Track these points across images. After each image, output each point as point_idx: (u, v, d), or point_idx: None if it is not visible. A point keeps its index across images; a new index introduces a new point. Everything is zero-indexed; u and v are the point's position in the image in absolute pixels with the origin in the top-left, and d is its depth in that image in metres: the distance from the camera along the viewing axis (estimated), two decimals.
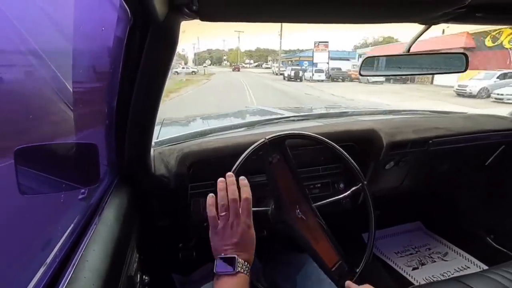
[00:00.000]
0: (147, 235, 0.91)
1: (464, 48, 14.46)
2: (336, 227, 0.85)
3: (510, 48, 13.57)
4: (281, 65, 35.86)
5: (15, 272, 0.48)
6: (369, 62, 0.91)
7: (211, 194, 0.60)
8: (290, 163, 0.81)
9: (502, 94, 9.88)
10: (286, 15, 0.62)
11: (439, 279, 1.41)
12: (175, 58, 0.62)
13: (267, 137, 0.78)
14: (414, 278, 1.43)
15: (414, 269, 1.50)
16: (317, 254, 0.77)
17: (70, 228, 0.56)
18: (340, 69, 23.07)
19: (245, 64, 76.02)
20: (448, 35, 15.46)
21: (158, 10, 0.49)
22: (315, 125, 1.20)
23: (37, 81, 0.58)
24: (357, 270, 0.78)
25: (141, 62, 0.59)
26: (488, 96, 10.83)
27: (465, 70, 0.90)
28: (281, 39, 36.78)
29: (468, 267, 1.48)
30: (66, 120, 0.64)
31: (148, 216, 0.92)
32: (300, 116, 1.43)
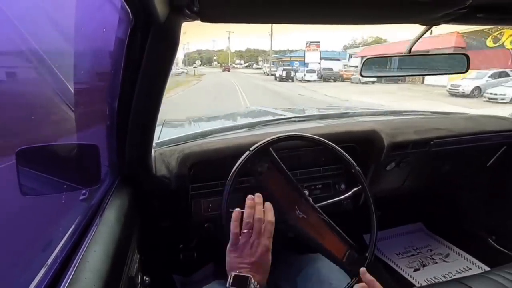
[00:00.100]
0: (148, 236, 0.91)
1: (455, 48, 14.49)
2: None
3: (511, 48, 13.55)
4: (272, 65, 35.66)
5: (16, 272, 0.48)
6: (370, 63, 0.91)
7: (238, 209, 0.61)
8: (279, 167, 0.81)
9: (495, 94, 9.78)
10: (287, 16, 0.62)
11: (441, 280, 1.41)
12: None
13: (250, 149, 0.78)
14: (416, 280, 1.43)
15: (415, 270, 1.49)
16: (326, 249, 0.78)
17: (71, 229, 0.56)
18: (331, 69, 22.94)
19: (236, 64, 75.29)
20: (437, 35, 15.38)
21: (159, 11, 0.49)
22: (315, 126, 1.20)
23: (38, 82, 0.58)
24: (367, 254, 0.79)
25: (142, 63, 0.59)
26: (481, 96, 10.79)
27: (466, 71, 0.89)
28: (271, 39, 36.71)
29: (470, 269, 1.48)
30: (68, 121, 0.64)
31: (149, 217, 0.92)
32: (301, 117, 1.43)
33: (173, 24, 0.55)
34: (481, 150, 1.33)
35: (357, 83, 18.34)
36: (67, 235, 0.55)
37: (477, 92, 11.21)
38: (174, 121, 1.56)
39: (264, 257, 0.58)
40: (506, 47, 13.77)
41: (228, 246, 0.60)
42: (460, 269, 1.48)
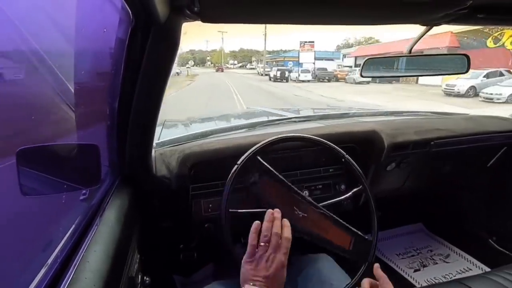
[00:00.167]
0: (148, 236, 0.91)
1: (449, 47, 14.51)
2: None
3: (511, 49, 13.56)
4: (265, 65, 35.50)
5: (17, 272, 0.48)
6: (370, 64, 0.91)
7: (257, 222, 0.62)
8: (270, 174, 0.81)
9: (491, 94, 9.67)
10: (287, 16, 0.62)
11: (441, 281, 1.40)
12: None
13: (238, 162, 0.79)
14: (416, 280, 1.43)
15: (415, 271, 1.49)
16: (332, 243, 0.79)
17: (71, 229, 0.56)
18: (325, 69, 22.79)
19: (229, 65, 74.72)
20: (431, 34, 15.31)
21: (159, 11, 0.49)
22: (315, 126, 1.20)
23: (39, 82, 0.58)
24: (368, 237, 0.80)
25: (142, 63, 0.59)
26: (476, 95, 10.73)
27: (467, 71, 0.89)
28: (265, 39, 36.58)
29: (470, 269, 1.48)
30: (68, 121, 0.64)
31: (149, 217, 0.92)
32: (301, 117, 1.43)
33: (173, 25, 0.55)
34: (481, 150, 1.33)
35: (351, 83, 18.28)
36: (67, 235, 0.55)
37: (472, 92, 11.16)
38: (175, 121, 1.56)
39: (278, 273, 0.58)
40: (507, 47, 13.77)
41: (244, 257, 0.60)
42: (460, 270, 1.48)
